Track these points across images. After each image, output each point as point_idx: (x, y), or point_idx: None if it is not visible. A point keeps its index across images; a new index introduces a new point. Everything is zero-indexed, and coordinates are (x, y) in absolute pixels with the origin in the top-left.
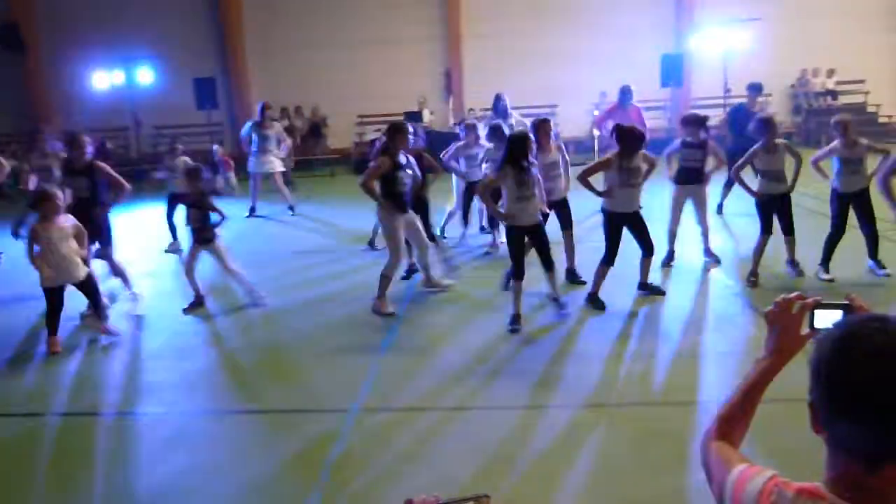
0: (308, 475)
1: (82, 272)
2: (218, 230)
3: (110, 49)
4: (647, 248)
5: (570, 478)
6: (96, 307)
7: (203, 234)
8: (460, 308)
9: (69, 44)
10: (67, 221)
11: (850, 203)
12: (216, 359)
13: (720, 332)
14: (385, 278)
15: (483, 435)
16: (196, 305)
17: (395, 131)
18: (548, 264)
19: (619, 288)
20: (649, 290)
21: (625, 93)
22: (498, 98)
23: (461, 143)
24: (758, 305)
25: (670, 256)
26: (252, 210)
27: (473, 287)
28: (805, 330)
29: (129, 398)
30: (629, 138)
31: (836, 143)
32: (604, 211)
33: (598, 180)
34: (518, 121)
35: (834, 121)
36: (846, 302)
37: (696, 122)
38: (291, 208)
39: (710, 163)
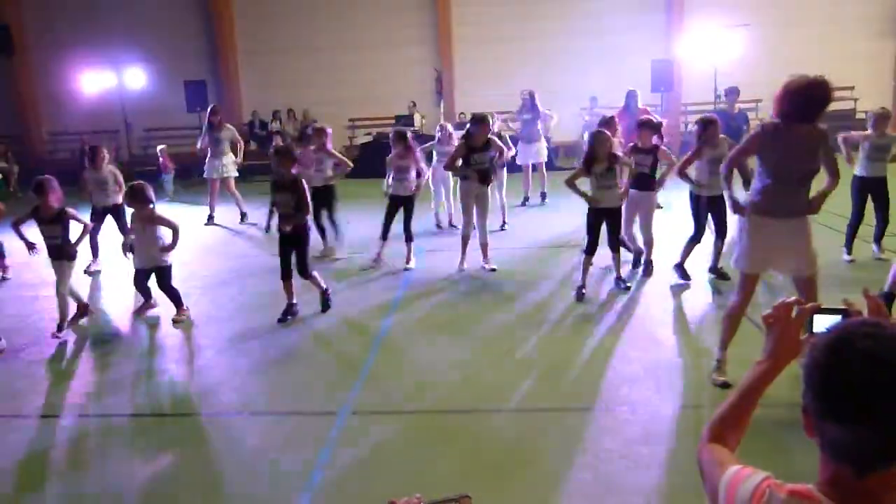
0: (298, 476)
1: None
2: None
3: (101, 51)
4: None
5: (558, 479)
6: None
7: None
8: (449, 309)
9: (59, 46)
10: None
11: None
12: (206, 360)
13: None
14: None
15: (472, 436)
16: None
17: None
18: (614, 246)
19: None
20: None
21: (631, 97)
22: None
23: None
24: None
25: (637, 259)
26: (210, 218)
27: (466, 289)
28: (804, 335)
29: (119, 400)
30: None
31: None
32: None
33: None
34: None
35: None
36: (845, 307)
37: (649, 127)
38: (243, 215)
39: (662, 169)
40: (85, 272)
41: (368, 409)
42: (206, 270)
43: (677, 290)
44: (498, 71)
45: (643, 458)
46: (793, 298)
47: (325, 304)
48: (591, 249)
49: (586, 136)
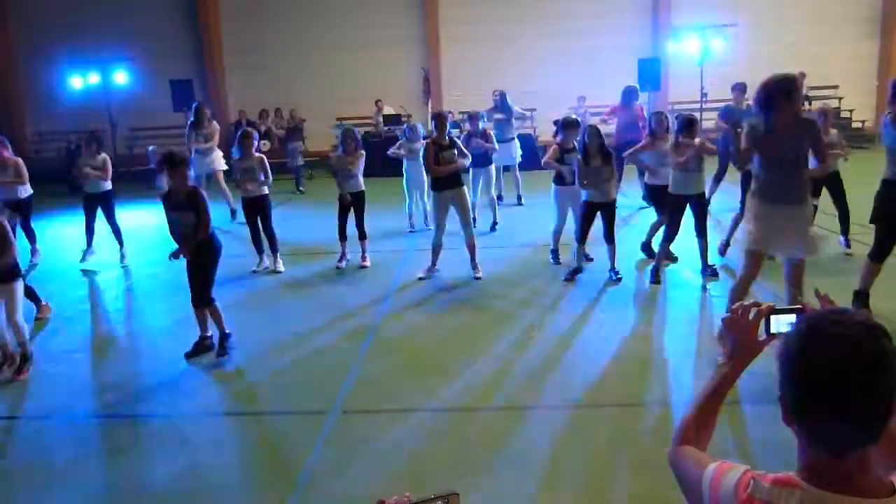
0: (287, 476)
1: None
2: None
3: (86, 50)
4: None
5: (549, 478)
6: None
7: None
8: (438, 309)
9: (44, 44)
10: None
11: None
12: (194, 360)
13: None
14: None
15: (461, 435)
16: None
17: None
18: (609, 238)
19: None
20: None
21: (630, 92)
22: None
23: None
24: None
25: (556, 256)
26: (233, 213)
27: (453, 287)
28: (762, 336)
29: (106, 400)
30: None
31: (646, 141)
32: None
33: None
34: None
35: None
36: (800, 307)
37: (573, 127)
38: (233, 212)
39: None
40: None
41: (358, 408)
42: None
43: (669, 285)
44: (486, 71)
45: (632, 455)
46: (750, 301)
47: (222, 349)
48: (581, 238)
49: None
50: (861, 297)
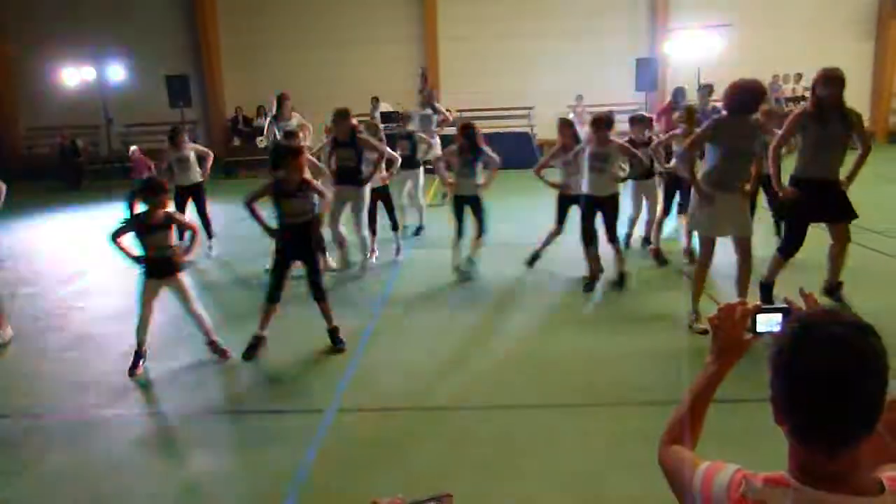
0: (284, 475)
1: None
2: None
3: (80, 45)
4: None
5: (546, 477)
6: None
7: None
8: (435, 308)
9: (38, 40)
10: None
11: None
12: (189, 358)
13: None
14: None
15: (457, 434)
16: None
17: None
18: (612, 238)
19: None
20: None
21: (678, 93)
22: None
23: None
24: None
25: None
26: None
27: (450, 286)
28: (747, 334)
29: (101, 399)
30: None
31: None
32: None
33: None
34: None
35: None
36: (786, 305)
37: (641, 122)
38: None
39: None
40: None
41: (355, 406)
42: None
43: (657, 284)
44: (483, 69)
45: (627, 455)
46: (736, 301)
47: (338, 342)
48: (587, 239)
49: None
50: (766, 289)
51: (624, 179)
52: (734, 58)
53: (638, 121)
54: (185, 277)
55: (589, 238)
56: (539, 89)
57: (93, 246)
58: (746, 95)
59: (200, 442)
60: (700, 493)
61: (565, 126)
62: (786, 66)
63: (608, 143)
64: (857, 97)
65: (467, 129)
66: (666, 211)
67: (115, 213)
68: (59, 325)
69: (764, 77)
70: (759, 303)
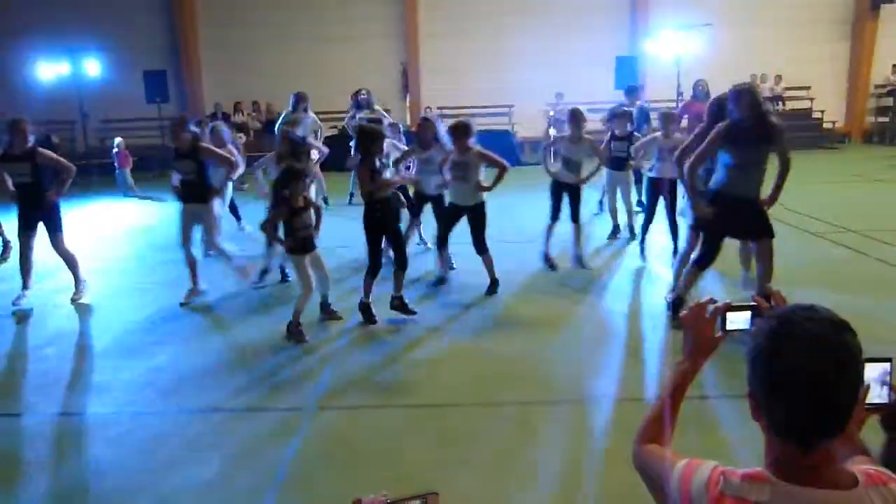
0: (264, 473)
1: None
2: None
3: (56, 38)
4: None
5: (529, 474)
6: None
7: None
8: (416, 306)
9: (12, 32)
10: None
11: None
12: (168, 357)
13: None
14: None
15: (439, 432)
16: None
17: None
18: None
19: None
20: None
21: (697, 86)
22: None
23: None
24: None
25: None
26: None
27: (428, 286)
28: (718, 332)
29: (78, 398)
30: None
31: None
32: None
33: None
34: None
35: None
36: (755, 304)
37: (624, 117)
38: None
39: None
40: None
41: (335, 404)
42: (160, 266)
43: (644, 279)
44: (464, 66)
45: (612, 451)
46: (706, 298)
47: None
48: (553, 216)
49: (552, 132)
50: (676, 306)
51: (586, 179)
52: (714, 57)
53: (619, 115)
54: None
55: (443, 242)
56: (520, 87)
57: (69, 241)
58: (731, 104)
59: (177, 440)
60: (678, 491)
61: (426, 123)
62: (765, 67)
63: (467, 152)
64: (833, 96)
65: (421, 123)
66: (649, 219)
67: (91, 208)
68: (37, 321)
69: (742, 77)
70: (729, 301)
